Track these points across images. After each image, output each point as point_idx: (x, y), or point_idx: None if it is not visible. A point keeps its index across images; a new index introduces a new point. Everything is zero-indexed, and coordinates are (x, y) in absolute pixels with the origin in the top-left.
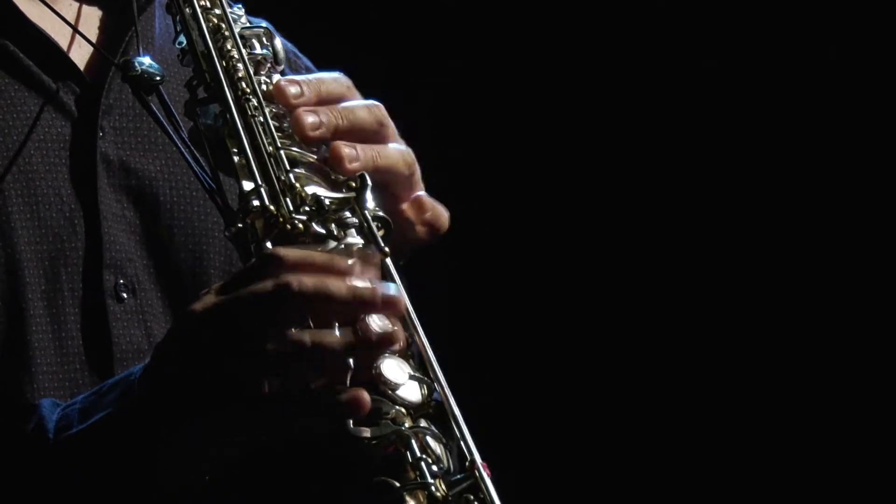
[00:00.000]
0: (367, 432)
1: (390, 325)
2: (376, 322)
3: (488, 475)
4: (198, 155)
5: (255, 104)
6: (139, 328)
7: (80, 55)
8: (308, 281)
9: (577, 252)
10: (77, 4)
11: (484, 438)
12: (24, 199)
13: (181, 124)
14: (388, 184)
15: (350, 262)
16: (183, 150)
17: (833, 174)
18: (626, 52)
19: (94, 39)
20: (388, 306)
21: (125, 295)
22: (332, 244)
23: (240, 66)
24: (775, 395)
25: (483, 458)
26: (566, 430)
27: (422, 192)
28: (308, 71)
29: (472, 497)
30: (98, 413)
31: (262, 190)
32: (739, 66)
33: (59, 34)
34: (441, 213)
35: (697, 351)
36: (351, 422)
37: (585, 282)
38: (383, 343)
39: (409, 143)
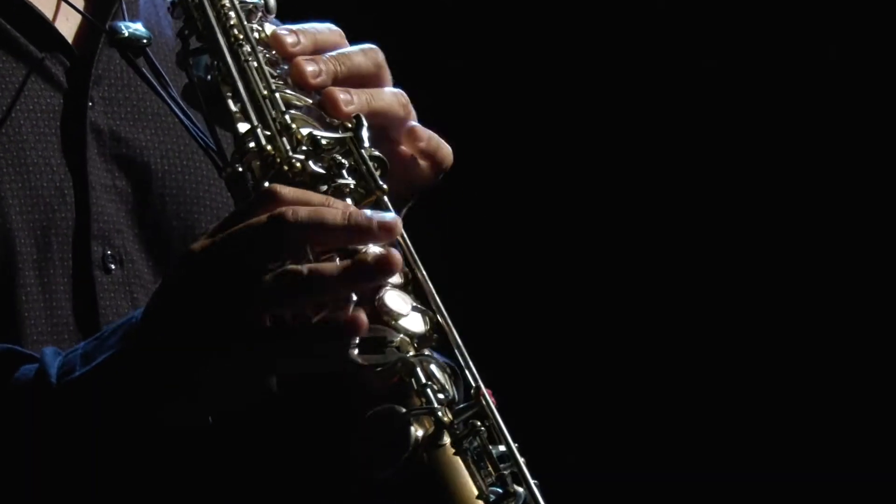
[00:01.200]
0: (371, 360)
1: (384, 252)
2: (374, 249)
3: (494, 403)
4: (190, 114)
5: (249, 50)
6: (126, 299)
7: (68, 27)
8: (303, 210)
9: (577, 251)
10: None
11: (487, 371)
12: (14, 169)
13: (171, 85)
14: (385, 127)
15: (345, 202)
16: (175, 108)
17: (833, 174)
18: (626, 52)
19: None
20: (384, 232)
21: (112, 266)
22: (330, 182)
23: (231, 14)
24: (775, 395)
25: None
26: (570, 361)
27: (415, 123)
28: None
29: (479, 423)
30: (100, 356)
31: (258, 131)
32: (739, 66)
33: (46, 6)
34: (440, 144)
35: (695, 342)
36: (355, 350)
37: (569, 220)
38: (381, 268)
39: None
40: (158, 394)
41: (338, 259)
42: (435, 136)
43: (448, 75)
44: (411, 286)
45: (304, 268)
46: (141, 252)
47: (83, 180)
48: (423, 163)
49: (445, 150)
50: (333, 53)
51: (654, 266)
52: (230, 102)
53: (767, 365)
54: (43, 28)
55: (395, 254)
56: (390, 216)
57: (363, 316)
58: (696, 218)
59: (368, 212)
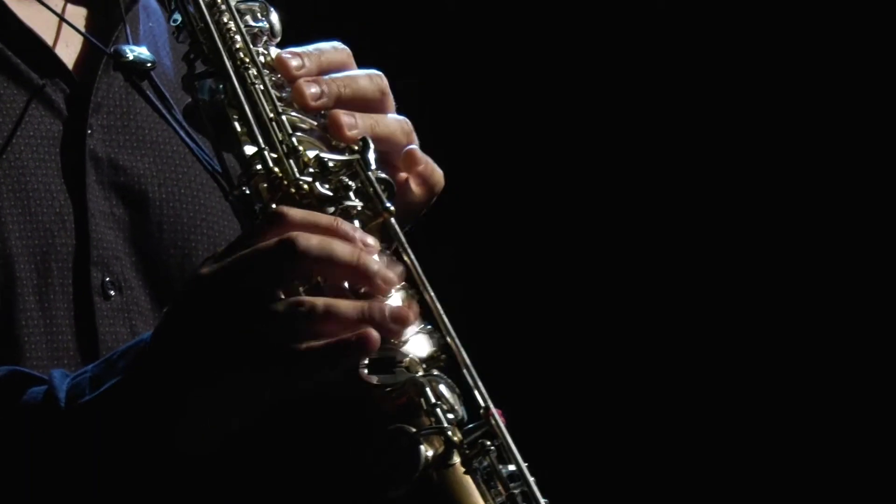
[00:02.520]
0: (380, 380)
1: (402, 304)
2: (393, 298)
3: (503, 422)
4: (194, 136)
5: (255, 73)
6: (125, 326)
7: (68, 54)
8: (314, 240)
9: (587, 269)
10: (63, 3)
11: (496, 390)
12: (14, 195)
13: (175, 108)
14: (387, 153)
15: (353, 226)
16: (180, 131)
17: (833, 174)
18: (626, 52)
19: (80, 38)
20: (385, 285)
21: (112, 292)
22: (338, 204)
23: (237, 37)
24: (775, 394)
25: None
26: (580, 380)
27: (413, 147)
28: None
29: (488, 443)
30: (110, 380)
31: (266, 153)
32: (739, 66)
33: (47, 33)
34: (434, 168)
35: (696, 343)
36: (366, 370)
37: (574, 237)
38: (397, 321)
39: None
40: (168, 418)
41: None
42: (430, 161)
43: (448, 75)
44: (420, 307)
45: (321, 303)
46: (139, 279)
47: (83, 207)
48: (417, 188)
49: (438, 174)
50: (338, 76)
51: (664, 285)
52: (237, 125)
53: (768, 364)
54: (43, 54)
55: (414, 309)
56: (392, 274)
57: (374, 333)
58: (696, 216)
59: (376, 260)
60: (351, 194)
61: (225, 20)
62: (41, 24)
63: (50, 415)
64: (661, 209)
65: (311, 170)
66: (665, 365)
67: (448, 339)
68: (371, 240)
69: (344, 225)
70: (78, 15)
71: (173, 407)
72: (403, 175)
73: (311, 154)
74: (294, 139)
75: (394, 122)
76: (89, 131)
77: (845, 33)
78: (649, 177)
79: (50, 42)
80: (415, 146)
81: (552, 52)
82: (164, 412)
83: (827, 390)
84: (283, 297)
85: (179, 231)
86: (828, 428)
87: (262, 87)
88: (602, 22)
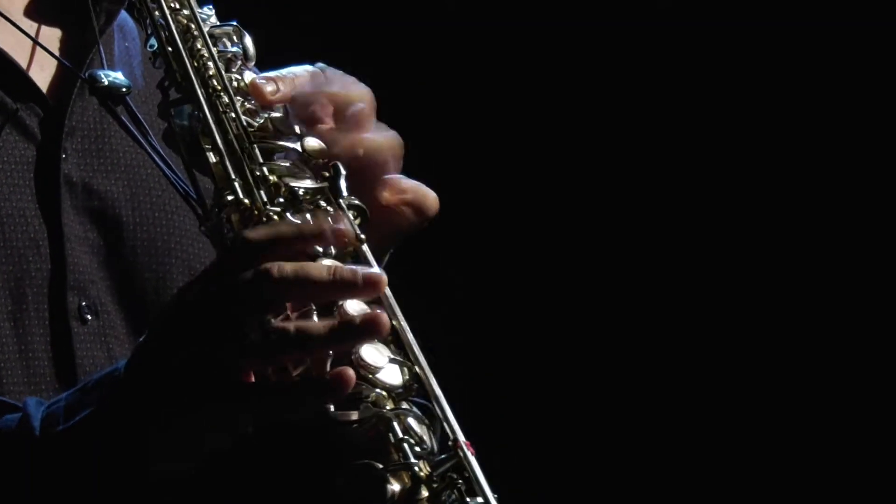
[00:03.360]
0: (349, 416)
1: (370, 311)
2: (356, 308)
3: (472, 454)
4: (169, 161)
5: (227, 101)
6: (102, 350)
7: (43, 77)
8: (288, 267)
9: (573, 249)
10: (36, 25)
11: (466, 420)
12: None
13: (150, 133)
14: (368, 170)
15: (318, 221)
16: (154, 156)
17: (833, 174)
18: (626, 52)
19: (55, 60)
20: (369, 286)
21: (89, 316)
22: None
23: (210, 64)
24: (775, 395)
25: (466, 438)
26: (551, 410)
27: (398, 175)
28: None
29: (456, 476)
30: (84, 410)
31: (236, 183)
32: (740, 66)
33: (20, 55)
34: (425, 194)
35: (694, 345)
36: (332, 406)
37: (572, 273)
38: (369, 328)
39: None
40: (139, 448)
41: (315, 314)
42: (421, 187)
43: (448, 76)
44: (391, 336)
45: (291, 326)
46: (115, 303)
47: (58, 231)
48: (405, 210)
49: (429, 199)
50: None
51: (641, 308)
52: (210, 154)
53: (768, 365)
54: (17, 78)
55: (383, 315)
56: (376, 270)
57: (350, 372)
58: (696, 217)
59: (353, 266)
60: None
61: (198, 46)
62: (15, 45)
63: (24, 443)
64: (659, 213)
65: (281, 199)
66: (637, 393)
67: (417, 368)
68: (342, 224)
69: (308, 227)
70: (52, 36)
71: (146, 438)
72: (387, 197)
73: (283, 182)
74: (265, 168)
75: (380, 139)
76: (63, 156)
77: (845, 33)
78: (647, 181)
79: (24, 64)
80: (393, 174)
81: (552, 53)
82: (137, 443)
83: (826, 390)
84: (256, 325)
85: (154, 254)
86: (827, 428)
87: (233, 115)
88: (602, 22)
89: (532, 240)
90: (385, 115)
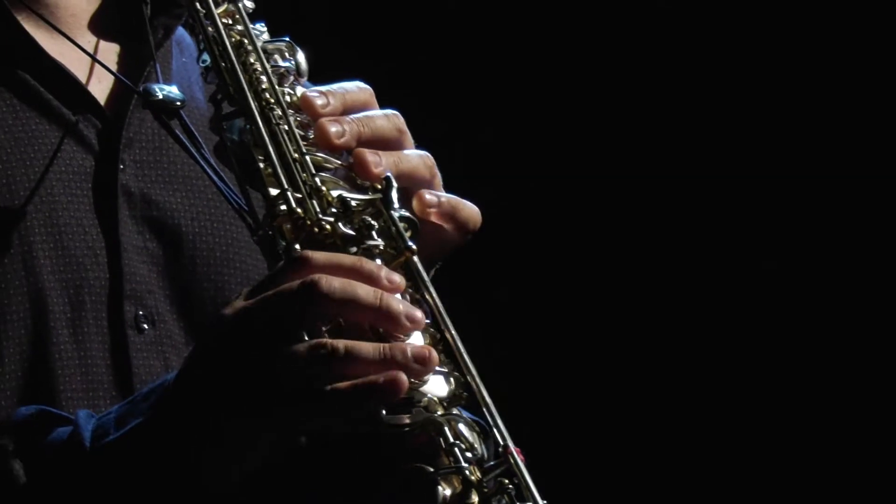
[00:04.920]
0: (401, 420)
1: (423, 346)
2: (414, 340)
3: (522, 460)
4: (222, 174)
5: (280, 113)
6: (158, 359)
7: (100, 90)
8: (336, 282)
9: (578, 251)
10: (95, 40)
11: (516, 428)
12: (46, 230)
13: (204, 147)
14: (412, 188)
15: (378, 264)
16: (208, 170)
17: (833, 174)
18: (626, 52)
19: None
20: (411, 325)
21: (145, 326)
22: (360, 244)
23: (263, 78)
24: (775, 395)
25: (516, 446)
26: (600, 418)
27: (425, 190)
28: None
29: (506, 482)
30: (134, 420)
31: (289, 194)
32: (740, 66)
33: (78, 69)
34: (460, 205)
35: (703, 347)
36: (384, 410)
37: (584, 278)
38: (419, 362)
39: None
40: (191, 458)
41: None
42: (452, 198)
43: (447, 76)
44: (441, 346)
45: (342, 346)
46: (172, 313)
47: (115, 241)
48: (446, 225)
49: (467, 211)
50: (357, 115)
51: (658, 277)
52: (262, 165)
53: (768, 366)
54: (76, 91)
55: (433, 352)
56: (417, 313)
57: (403, 377)
58: (696, 218)
59: (399, 300)
60: (373, 233)
61: (251, 61)
62: (74, 60)
63: (74, 455)
64: (660, 213)
65: (333, 210)
66: (684, 395)
67: (468, 378)
68: (397, 277)
69: (367, 264)
70: (111, 50)
71: (197, 446)
72: (431, 213)
73: (335, 194)
74: (317, 179)
75: (416, 158)
76: (122, 166)
77: (845, 33)
78: (647, 182)
79: (83, 78)
80: (427, 189)
81: (552, 53)
82: (188, 452)
83: (826, 391)
84: (305, 338)
85: (212, 265)
86: (827, 428)
87: (286, 127)
88: (602, 22)
89: (552, 256)
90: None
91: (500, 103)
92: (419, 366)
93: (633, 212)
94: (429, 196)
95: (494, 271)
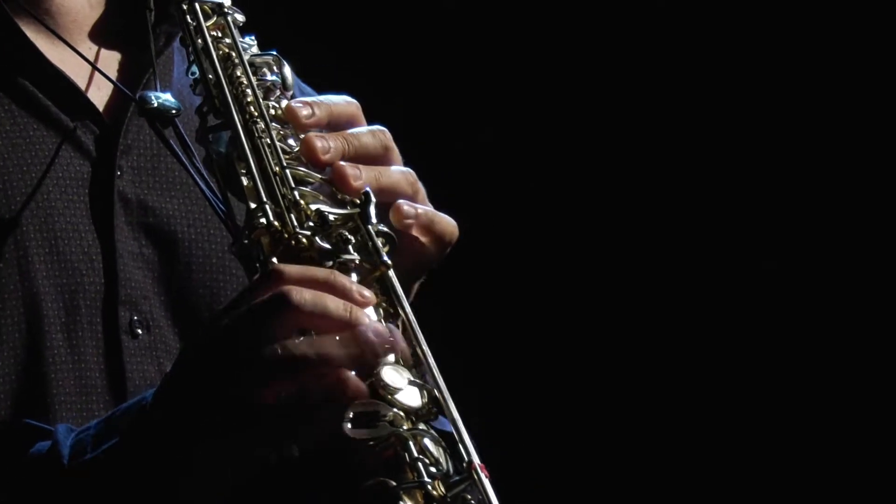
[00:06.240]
0: (364, 434)
1: (387, 331)
2: (375, 324)
3: (486, 476)
4: (212, 185)
5: (263, 127)
6: (152, 364)
7: (99, 96)
8: (307, 294)
9: (575, 252)
10: (96, 47)
11: (483, 442)
12: (42, 235)
13: (198, 156)
14: (388, 200)
15: (349, 279)
16: (198, 179)
17: (832, 174)
18: (626, 52)
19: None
20: (381, 341)
21: (140, 331)
22: (336, 258)
23: (248, 91)
24: (775, 396)
25: (482, 461)
26: (565, 432)
27: (402, 201)
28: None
29: (469, 497)
30: (111, 439)
31: (268, 207)
32: (740, 66)
33: (78, 75)
34: (444, 223)
35: (697, 351)
36: (349, 424)
37: (582, 281)
38: (384, 345)
39: (403, 143)
40: (165, 477)
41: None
42: (430, 210)
43: (447, 76)
44: (412, 360)
45: (310, 348)
46: (167, 318)
47: (111, 247)
48: (423, 238)
49: (444, 223)
50: (344, 132)
51: (652, 280)
52: (244, 179)
53: (768, 367)
54: (75, 97)
55: (397, 333)
56: (384, 327)
57: (361, 385)
58: (695, 219)
59: (368, 315)
60: (350, 248)
61: (238, 74)
62: (75, 66)
63: (52, 471)
64: (660, 214)
65: (311, 223)
66: (652, 408)
67: (436, 392)
68: (367, 292)
69: (340, 278)
70: (111, 57)
71: (173, 466)
72: (411, 227)
73: (313, 207)
74: (296, 193)
75: (397, 174)
76: (119, 172)
77: (845, 33)
78: (647, 182)
79: (83, 85)
80: (402, 201)
81: (551, 53)
82: (164, 471)
83: (826, 391)
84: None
85: (208, 271)
86: (827, 428)
87: (268, 140)
88: (602, 22)
89: (550, 256)
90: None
91: (500, 103)
92: (382, 341)
93: (633, 212)
94: (406, 208)
95: (478, 279)
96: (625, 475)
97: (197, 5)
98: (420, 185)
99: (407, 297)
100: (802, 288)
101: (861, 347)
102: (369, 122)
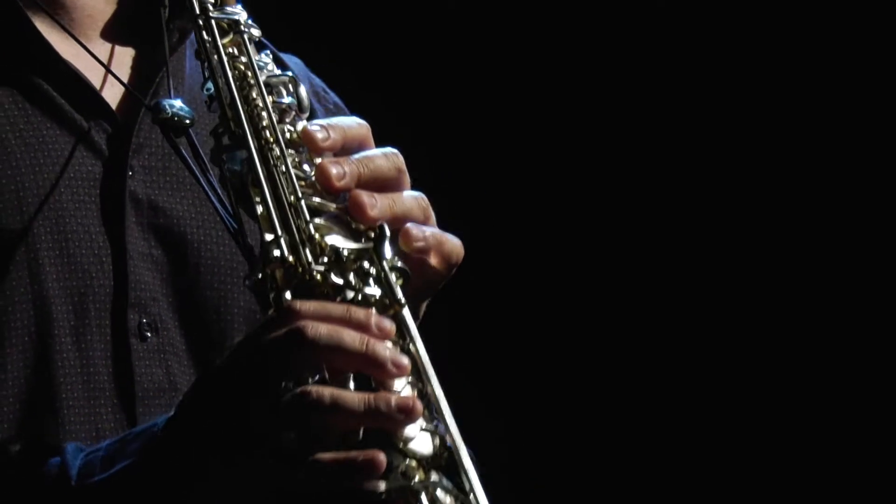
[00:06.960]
0: (377, 486)
1: (408, 396)
2: (397, 388)
3: None
4: (223, 197)
5: (278, 153)
6: (160, 367)
7: (113, 95)
8: (323, 328)
9: (575, 253)
10: (110, 45)
11: (483, 442)
12: (53, 237)
13: (209, 166)
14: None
15: (367, 311)
16: (209, 191)
17: (832, 174)
18: (626, 52)
19: (126, 79)
20: (396, 370)
21: (148, 334)
22: (350, 294)
23: (264, 114)
24: (775, 396)
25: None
26: (565, 432)
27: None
28: (336, 107)
29: None
30: (121, 462)
31: (283, 240)
32: (740, 66)
33: (92, 73)
34: (451, 244)
35: (697, 352)
36: None
37: (582, 282)
38: (404, 413)
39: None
40: (174, 502)
41: (352, 382)
42: (437, 233)
43: (447, 77)
44: (424, 400)
45: (327, 393)
46: (175, 321)
47: (121, 248)
48: (431, 260)
49: (451, 244)
50: (358, 156)
51: (652, 283)
52: (258, 207)
53: (767, 367)
54: (89, 97)
55: (418, 403)
56: (405, 359)
57: (381, 457)
58: (694, 219)
59: (386, 346)
60: (364, 284)
61: (254, 95)
62: (88, 64)
63: (60, 491)
64: (660, 214)
65: (325, 258)
66: (688, 396)
67: (448, 438)
68: (387, 323)
69: (357, 312)
70: (125, 54)
71: (183, 492)
72: (420, 249)
73: (329, 241)
74: (311, 227)
75: (410, 200)
76: (130, 172)
77: (845, 33)
78: (646, 182)
79: (96, 82)
80: (411, 224)
81: (551, 53)
82: (173, 496)
83: (826, 390)
84: (291, 387)
85: (217, 273)
86: (827, 428)
87: (284, 168)
88: (602, 22)
89: (550, 256)
90: (383, 119)
91: (500, 103)
92: (402, 416)
93: (633, 214)
94: (415, 231)
95: (478, 279)
96: (625, 477)
97: (213, 22)
98: (431, 211)
99: (415, 318)
100: (802, 288)
101: (861, 347)
102: (369, 123)
